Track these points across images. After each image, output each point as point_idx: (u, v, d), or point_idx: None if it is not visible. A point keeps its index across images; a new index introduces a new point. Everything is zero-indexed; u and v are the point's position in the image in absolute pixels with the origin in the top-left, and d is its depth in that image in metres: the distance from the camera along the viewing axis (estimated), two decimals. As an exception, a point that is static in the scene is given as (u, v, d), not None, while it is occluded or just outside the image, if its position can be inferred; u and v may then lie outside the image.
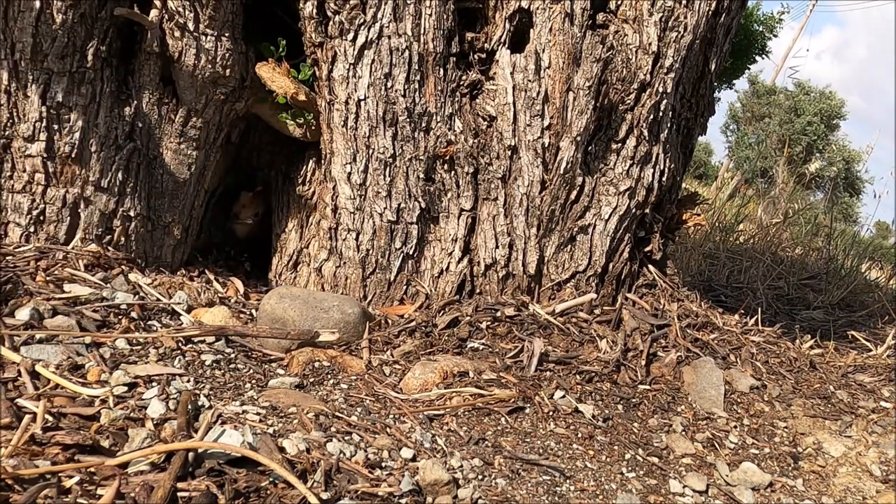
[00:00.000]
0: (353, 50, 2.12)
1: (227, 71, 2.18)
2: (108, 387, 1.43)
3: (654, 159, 2.37)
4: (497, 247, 2.28)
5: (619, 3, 2.30)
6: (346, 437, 1.45)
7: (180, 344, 1.73)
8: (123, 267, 2.06)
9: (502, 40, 2.23)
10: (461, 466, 1.46)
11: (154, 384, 1.49)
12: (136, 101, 2.13)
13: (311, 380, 1.77)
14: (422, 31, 2.15)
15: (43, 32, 1.94)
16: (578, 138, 2.22)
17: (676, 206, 2.61)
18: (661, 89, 2.29)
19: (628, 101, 2.29)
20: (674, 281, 2.59)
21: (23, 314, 1.61)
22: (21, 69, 1.96)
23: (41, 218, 2.06)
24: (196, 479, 1.15)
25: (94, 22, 2.01)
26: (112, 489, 1.07)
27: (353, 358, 1.91)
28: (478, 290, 2.32)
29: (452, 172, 2.24)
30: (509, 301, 2.26)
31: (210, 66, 2.14)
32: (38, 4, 1.91)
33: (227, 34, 2.14)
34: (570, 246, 2.34)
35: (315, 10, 2.15)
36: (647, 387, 2.02)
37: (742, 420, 1.96)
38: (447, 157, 2.22)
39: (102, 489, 1.09)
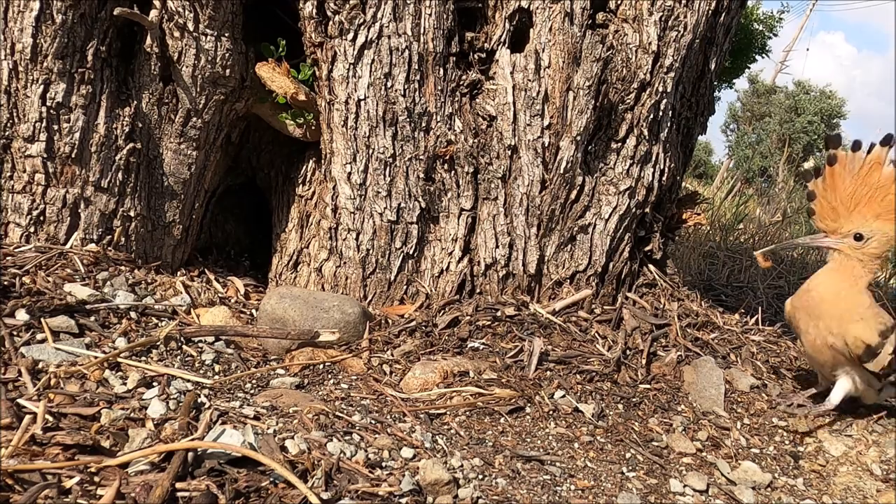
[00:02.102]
0: (353, 50, 2.12)
1: (227, 71, 2.18)
2: (108, 386, 1.43)
3: (654, 159, 2.37)
4: (497, 246, 2.28)
5: (619, 2, 2.30)
6: (347, 437, 1.45)
7: (180, 344, 1.74)
8: (123, 267, 2.06)
9: (502, 40, 2.23)
10: (461, 466, 1.46)
11: (154, 384, 1.50)
12: (136, 101, 2.13)
13: (312, 380, 1.77)
14: (422, 30, 2.15)
15: (43, 32, 1.94)
16: (578, 138, 2.22)
17: (677, 205, 2.61)
18: (661, 88, 2.28)
19: (628, 101, 2.29)
20: (674, 280, 2.59)
21: (23, 314, 1.61)
22: (21, 69, 1.96)
23: (41, 218, 2.06)
24: (196, 479, 1.15)
25: (94, 22, 2.01)
26: (112, 489, 1.07)
27: (354, 358, 1.91)
28: (478, 290, 2.32)
29: (452, 172, 2.24)
30: (509, 301, 2.26)
31: (210, 66, 2.14)
32: (37, 4, 1.91)
33: (227, 34, 2.14)
34: (570, 245, 2.34)
35: (315, 10, 2.15)
36: (648, 386, 2.02)
37: (742, 419, 1.96)
38: (447, 157, 2.22)
39: (102, 489, 1.09)
